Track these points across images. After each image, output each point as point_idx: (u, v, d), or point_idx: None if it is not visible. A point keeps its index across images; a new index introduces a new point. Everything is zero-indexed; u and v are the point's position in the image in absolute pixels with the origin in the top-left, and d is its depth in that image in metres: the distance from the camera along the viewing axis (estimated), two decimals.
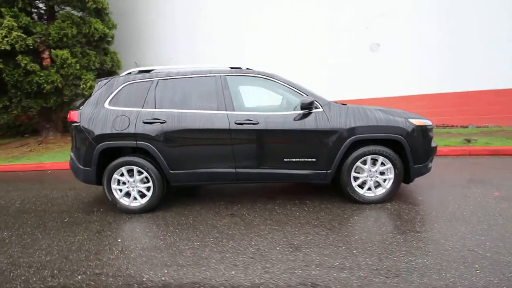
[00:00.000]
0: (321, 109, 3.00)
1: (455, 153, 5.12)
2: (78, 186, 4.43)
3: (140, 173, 3.10)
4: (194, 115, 3.00)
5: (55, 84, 6.96)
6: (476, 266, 1.94)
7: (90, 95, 3.25)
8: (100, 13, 8.33)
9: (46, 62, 8.39)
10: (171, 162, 3.04)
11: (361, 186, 3.10)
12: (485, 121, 6.86)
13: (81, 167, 3.17)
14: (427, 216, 2.76)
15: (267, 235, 2.53)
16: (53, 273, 2.12)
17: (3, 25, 6.35)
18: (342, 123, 2.95)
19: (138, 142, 3.01)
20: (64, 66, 6.94)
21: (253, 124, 2.96)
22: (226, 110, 3.02)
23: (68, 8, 7.99)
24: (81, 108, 3.21)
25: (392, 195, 3.10)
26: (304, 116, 2.99)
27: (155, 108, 3.06)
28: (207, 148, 3.04)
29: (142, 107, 3.07)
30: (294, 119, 3.00)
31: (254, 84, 3.30)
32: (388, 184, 3.05)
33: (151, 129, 3.00)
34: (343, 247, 2.26)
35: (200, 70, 3.16)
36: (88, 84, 7.38)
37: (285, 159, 3.02)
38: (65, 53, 6.90)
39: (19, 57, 6.62)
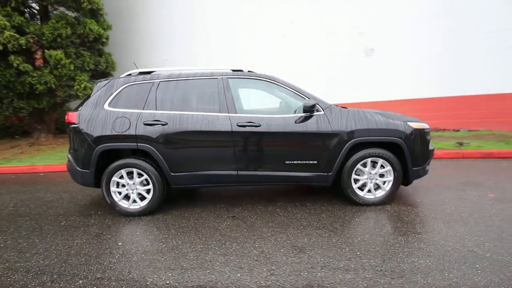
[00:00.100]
0: (322, 112, 3.03)
1: (449, 156, 5.24)
2: (73, 189, 4.34)
3: (140, 175, 3.06)
4: (196, 117, 2.99)
5: (48, 85, 6.82)
6: (477, 266, 1.99)
7: (89, 96, 3.21)
8: (95, 13, 8.23)
9: (39, 62, 8.23)
10: (172, 164, 3.01)
11: (361, 188, 3.14)
12: (476, 125, 7.05)
13: (79, 169, 3.11)
14: (426, 217, 2.81)
15: (270, 237, 2.53)
16: (53, 278, 2.07)
17: None
18: (343, 126, 2.98)
19: (138, 144, 2.98)
20: (58, 66, 6.82)
21: (255, 126, 2.97)
22: (228, 113, 3.02)
23: (62, 9, 7.88)
24: (79, 109, 3.16)
25: (391, 197, 3.14)
26: (306, 118, 3.01)
27: (156, 110, 3.04)
28: (208, 150, 3.03)
29: (143, 109, 3.05)
30: (296, 122, 3.02)
31: (255, 87, 3.32)
32: (387, 186, 3.10)
33: (152, 131, 2.97)
34: (347, 249, 2.27)
35: (202, 72, 3.16)
36: (82, 85, 7.26)
37: (286, 162, 3.03)
38: (59, 53, 6.79)
39: (12, 57, 6.48)
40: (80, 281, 2.01)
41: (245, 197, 3.61)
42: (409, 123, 3.08)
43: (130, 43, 10.03)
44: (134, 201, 3.10)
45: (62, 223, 3.05)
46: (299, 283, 1.88)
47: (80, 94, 7.35)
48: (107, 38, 8.60)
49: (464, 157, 5.23)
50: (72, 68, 7.10)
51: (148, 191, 3.09)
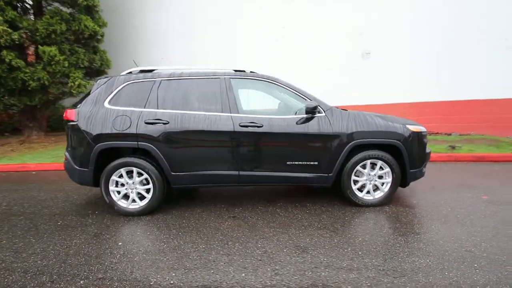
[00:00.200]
0: (323, 114, 3.06)
1: (442, 159, 5.37)
2: (68, 188, 4.25)
3: (139, 174, 3.03)
4: (198, 117, 2.97)
5: (41, 82, 6.67)
6: (475, 265, 2.04)
7: (88, 94, 3.15)
8: (91, 10, 8.10)
9: (31, 58, 8.04)
10: (173, 164, 2.99)
11: (360, 189, 3.18)
12: (467, 129, 7.24)
13: (77, 167, 3.05)
14: (424, 218, 2.87)
15: (272, 237, 2.54)
16: (52, 278, 2.02)
17: None
18: (343, 127, 3.03)
19: (139, 142, 2.95)
20: (52, 63, 6.67)
21: (258, 127, 2.98)
22: (230, 113, 3.02)
23: (56, 4, 7.72)
24: (78, 106, 3.11)
25: (389, 198, 3.20)
26: (307, 120, 3.04)
27: (158, 108, 3.01)
28: (210, 150, 3.02)
29: (144, 107, 3.02)
30: (297, 123, 3.04)
31: (257, 87, 3.33)
32: (386, 188, 3.15)
33: (154, 130, 2.95)
34: (349, 249, 2.30)
35: (204, 72, 3.15)
36: (77, 83, 7.13)
37: (288, 162, 3.05)
38: (53, 49, 6.65)
39: (4, 52, 6.31)
40: (81, 282, 1.97)
41: (245, 197, 3.61)
42: (408, 126, 3.15)
43: (126, 41, 9.91)
44: (133, 200, 3.06)
45: (59, 223, 2.98)
46: (304, 283, 1.89)
47: (74, 92, 7.22)
48: (102, 35, 8.47)
49: (457, 160, 5.36)
50: (66, 65, 6.96)
51: (147, 191, 3.05)
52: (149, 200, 3.04)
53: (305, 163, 3.05)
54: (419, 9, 7.52)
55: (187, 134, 2.97)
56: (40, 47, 6.63)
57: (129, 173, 3.04)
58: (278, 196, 3.62)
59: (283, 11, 8.61)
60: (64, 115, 3.13)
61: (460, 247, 2.29)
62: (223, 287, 1.88)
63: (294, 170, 3.07)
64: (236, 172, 3.04)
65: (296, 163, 3.05)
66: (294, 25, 8.53)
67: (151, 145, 2.95)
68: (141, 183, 3.05)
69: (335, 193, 3.56)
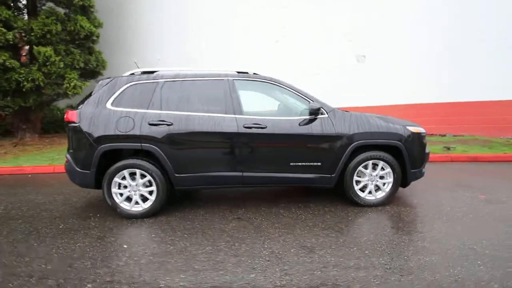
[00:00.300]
0: (326, 115, 3.10)
1: (439, 159, 5.48)
2: (67, 191, 4.18)
3: (142, 176, 3.00)
4: (202, 118, 2.98)
5: (36, 83, 6.55)
6: (479, 262, 2.10)
7: (90, 95, 3.12)
8: (86, 10, 8.02)
9: (23, 58, 7.89)
10: (176, 165, 2.98)
11: (361, 189, 3.22)
12: (461, 130, 7.42)
13: (79, 169, 3.01)
14: (425, 217, 2.93)
15: (278, 238, 2.55)
16: (59, 282, 1.99)
17: None
18: (346, 129, 3.07)
19: (143, 144, 2.93)
20: (47, 63, 6.57)
21: (261, 128, 3.00)
22: (234, 114, 3.03)
23: (50, 4, 7.61)
24: (79, 108, 3.07)
25: (391, 198, 3.25)
26: (310, 121, 3.08)
27: (161, 110, 3.00)
28: (214, 151, 3.02)
29: (147, 109, 3.00)
30: (300, 124, 3.07)
31: (260, 89, 3.36)
32: (387, 188, 3.20)
33: (157, 131, 2.93)
34: (355, 248, 2.33)
35: (207, 73, 3.16)
36: (72, 84, 7.03)
37: (291, 163, 3.08)
38: (48, 50, 6.54)
39: None
40: (89, 285, 1.95)
41: (247, 198, 3.62)
42: (408, 127, 3.22)
43: (121, 42, 9.83)
44: (136, 202, 3.04)
45: (60, 226, 2.93)
46: (314, 282, 1.91)
47: (69, 93, 7.12)
48: (97, 36, 8.40)
49: (452, 160, 5.48)
50: (61, 65, 6.86)
51: (150, 193, 3.03)
52: (153, 202, 3.01)
53: (308, 164, 3.08)
54: (419, 9, 7.64)
55: (191, 136, 2.97)
56: (35, 47, 6.52)
57: (132, 175, 3.02)
58: (280, 197, 3.64)
59: (280, 12, 8.65)
60: (65, 117, 3.08)
61: (462, 245, 2.34)
62: None
63: (297, 171, 3.09)
64: (240, 174, 3.05)
65: (300, 164, 3.08)
66: (293, 25, 8.57)
67: (154, 147, 2.93)
68: (144, 185, 3.03)
69: (336, 193, 3.60)
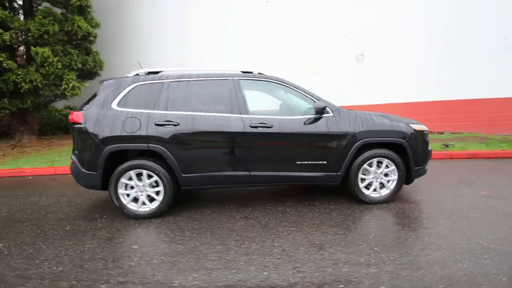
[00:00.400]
0: (331, 114, 3.13)
1: (438, 156, 5.55)
2: (70, 193, 4.15)
3: (149, 176, 3.00)
4: (209, 118, 2.98)
5: (34, 84, 6.48)
6: (485, 256, 2.14)
7: (95, 96, 3.10)
8: (83, 10, 7.94)
9: (20, 59, 7.79)
10: (183, 165, 2.99)
11: (366, 187, 3.26)
12: (458, 127, 7.52)
13: (85, 171, 3.00)
14: (430, 214, 2.98)
15: (288, 236, 2.57)
16: (72, 284, 1.98)
17: None
18: (351, 127, 3.10)
19: (149, 144, 2.93)
20: (45, 64, 6.49)
21: (268, 127, 3.01)
22: (240, 114, 3.04)
23: (47, 4, 7.52)
24: (84, 108, 3.06)
25: (395, 196, 3.30)
26: (315, 120, 3.10)
27: (167, 110, 3.00)
28: (221, 150, 3.03)
29: (153, 109, 3.00)
30: (305, 123, 3.10)
31: (265, 88, 3.38)
32: (392, 185, 3.25)
33: (164, 132, 2.93)
34: (364, 245, 2.37)
35: (213, 73, 3.17)
36: (71, 85, 6.96)
37: (297, 162, 3.10)
38: (46, 50, 6.47)
39: None
40: (103, 286, 1.95)
41: (253, 197, 3.64)
42: (411, 125, 3.26)
43: (119, 42, 9.76)
44: (143, 203, 3.03)
45: (67, 228, 2.92)
46: (327, 279, 1.94)
47: (68, 94, 7.05)
48: (95, 36, 8.33)
49: (451, 157, 5.56)
50: (59, 66, 6.79)
51: (157, 193, 3.03)
52: (160, 203, 3.01)
53: (314, 162, 3.11)
54: (419, 9, 7.70)
55: (197, 135, 2.97)
56: (32, 48, 6.44)
57: (139, 176, 3.01)
58: (285, 195, 3.67)
59: (279, 11, 8.64)
60: (70, 118, 3.06)
61: (468, 240, 2.39)
62: (248, 286, 1.90)
63: (303, 170, 3.12)
64: (246, 173, 3.06)
65: (306, 162, 3.10)
66: (292, 25, 8.57)
67: (161, 147, 2.93)
68: (151, 185, 3.03)
69: (339, 191, 3.63)
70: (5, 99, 6.70)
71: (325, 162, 3.11)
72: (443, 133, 7.55)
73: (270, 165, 3.08)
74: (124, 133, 2.91)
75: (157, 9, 9.61)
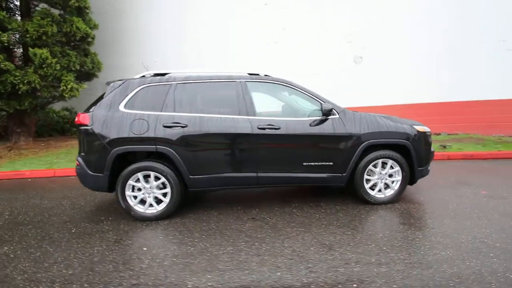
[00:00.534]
0: (337, 116, 3.18)
1: (436, 157, 5.60)
2: (72, 195, 4.11)
3: (157, 178, 3.00)
4: (217, 120, 3.00)
5: (32, 85, 6.39)
6: (491, 255, 2.20)
7: (101, 97, 3.09)
8: (82, 11, 7.88)
9: (16, 61, 7.69)
10: (191, 167, 2.99)
11: (371, 188, 3.31)
12: (455, 129, 7.67)
13: (91, 173, 2.98)
14: (434, 214, 3.04)
15: (297, 236, 2.59)
16: (83, 287, 1.97)
17: None
18: (357, 128, 3.15)
19: (158, 146, 2.92)
20: (43, 66, 6.42)
21: (275, 129, 3.04)
22: (247, 115, 3.06)
23: (44, 5, 7.44)
24: (90, 110, 3.04)
25: (399, 196, 3.35)
26: (322, 122, 3.14)
27: (175, 112, 3.01)
28: (229, 152, 3.05)
29: (161, 111, 3.00)
30: (311, 125, 3.13)
31: (272, 90, 3.40)
32: (396, 186, 3.30)
33: (172, 133, 2.94)
34: (373, 245, 2.40)
35: (220, 75, 3.19)
36: (69, 86, 6.89)
37: (304, 163, 3.13)
38: (44, 52, 6.39)
39: None
40: None
41: (259, 199, 3.65)
42: (415, 126, 3.32)
43: (117, 43, 9.70)
44: (151, 205, 3.02)
45: (73, 230, 2.89)
46: (340, 278, 1.96)
47: (66, 96, 6.97)
48: (93, 38, 8.26)
49: (449, 158, 5.67)
50: (58, 68, 6.72)
51: (164, 195, 3.03)
52: (167, 204, 3.01)
53: (321, 163, 3.14)
54: (419, 10, 7.81)
55: (205, 137, 2.98)
56: (30, 49, 6.36)
57: (146, 177, 3.01)
58: (290, 196, 3.69)
59: (279, 13, 8.69)
60: (76, 120, 3.05)
61: (473, 239, 2.44)
62: (262, 287, 1.91)
63: (310, 171, 3.15)
64: (254, 174, 3.08)
65: (312, 163, 3.13)
66: (291, 26, 8.62)
67: (169, 149, 2.93)
68: (158, 187, 3.02)
69: (344, 192, 3.68)
70: (2, 101, 6.58)
71: (331, 163, 3.15)
72: (440, 134, 7.68)
73: (277, 167, 3.10)
74: (132, 135, 2.90)
75: (156, 9, 9.59)
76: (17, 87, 6.27)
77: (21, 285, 2.02)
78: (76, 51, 7.84)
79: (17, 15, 7.86)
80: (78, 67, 7.59)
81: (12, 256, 2.42)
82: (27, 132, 7.56)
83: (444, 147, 6.39)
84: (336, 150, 3.14)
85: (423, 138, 3.34)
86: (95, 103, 3.08)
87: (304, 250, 2.35)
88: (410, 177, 3.34)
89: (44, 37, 6.59)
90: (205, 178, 3.03)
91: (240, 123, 3.01)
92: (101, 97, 3.10)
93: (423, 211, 3.11)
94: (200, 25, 9.38)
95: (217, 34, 9.27)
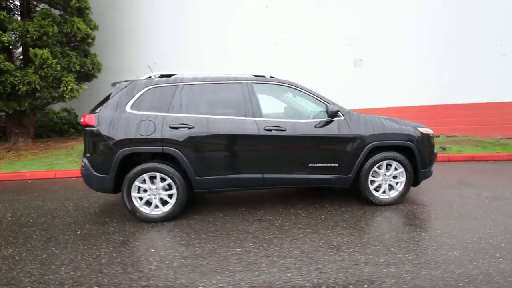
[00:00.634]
0: (342, 117, 3.20)
1: (437, 159, 5.69)
2: (74, 196, 4.09)
3: (162, 179, 2.99)
4: (223, 121, 3.00)
5: (32, 86, 6.34)
6: (498, 255, 2.23)
7: (107, 98, 3.08)
8: (82, 12, 7.86)
9: (16, 61, 7.64)
10: (197, 168, 2.99)
11: (375, 189, 3.33)
12: (454, 131, 7.75)
13: (97, 174, 2.96)
14: (439, 214, 3.06)
15: (304, 237, 2.60)
16: None
17: None
18: (362, 130, 3.17)
19: (164, 147, 2.92)
20: (44, 66, 6.38)
21: (281, 130, 3.05)
22: (253, 117, 3.07)
23: (44, 5, 7.40)
24: (96, 111, 3.03)
25: (403, 197, 3.38)
26: (327, 123, 3.16)
27: (181, 113, 3.01)
28: (235, 153, 3.05)
29: (168, 112, 3.00)
30: (317, 126, 3.15)
31: (277, 92, 3.42)
32: (400, 187, 3.33)
33: (179, 134, 2.94)
34: (380, 246, 2.42)
35: (226, 77, 3.20)
36: (69, 87, 6.84)
37: (310, 164, 3.15)
38: (45, 52, 6.35)
39: None
40: None
41: (263, 200, 3.66)
42: (418, 128, 3.36)
43: (116, 44, 9.67)
44: (156, 206, 3.01)
45: (78, 232, 2.87)
46: (350, 279, 1.97)
47: (66, 96, 6.93)
48: (93, 38, 8.23)
49: (449, 160, 5.73)
50: (58, 68, 6.67)
51: (170, 196, 3.02)
52: (173, 206, 3.00)
53: (326, 165, 3.16)
54: (419, 11, 7.85)
55: (212, 138, 2.98)
56: (31, 49, 6.32)
57: (151, 179, 3.00)
58: (294, 198, 3.70)
59: (279, 13, 8.71)
60: (82, 120, 3.03)
61: (479, 239, 2.47)
62: (274, 287, 1.91)
63: (315, 172, 3.16)
64: (260, 175, 3.09)
65: (318, 165, 3.15)
66: (292, 27, 8.64)
67: (176, 150, 2.93)
68: (163, 188, 3.02)
69: (348, 193, 3.70)
70: (1, 101, 6.52)
71: (336, 165, 3.17)
72: (438, 136, 7.75)
73: (283, 168, 3.11)
74: (139, 136, 2.90)
75: (156, 9, 9.57)
76: (17, 88, 6.22)
77: (29, 287, 2.00)
78: (76, 51, 7.80)
79: (16, 15, 7.81)
80: (78, 68, 7.55)
81: (17, 258, 2.40)
82: (26, 133, 7.49)
83: (444, 149, 6.45)
84: (342, 152, 3.16)
85: (426, 140, 3.37)
86: (101, 103, 3.07)
87: (313, 251, 2.35)
88: (413, 179, 3.37)
89: (44, 38, 6.55)
90: (211, 179, 3.03)
91: (246, 125, 3.02)
92: (107, 98, 3.09)
93: (427, 212, 3.14)
94: (200, 25, 9.38)
95: (217, 34, 9.27)
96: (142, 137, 2.90)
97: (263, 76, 3.34)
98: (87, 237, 2.76)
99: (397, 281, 1.94)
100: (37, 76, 6.39)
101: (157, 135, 2.91)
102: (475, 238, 2.51)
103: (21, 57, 7.62)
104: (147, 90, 3.05)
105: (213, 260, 2.27)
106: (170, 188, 3.01)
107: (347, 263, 2.17)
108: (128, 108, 2.98)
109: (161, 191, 3.00)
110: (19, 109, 6.70)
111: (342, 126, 3.16)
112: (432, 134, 3.51)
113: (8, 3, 7.53)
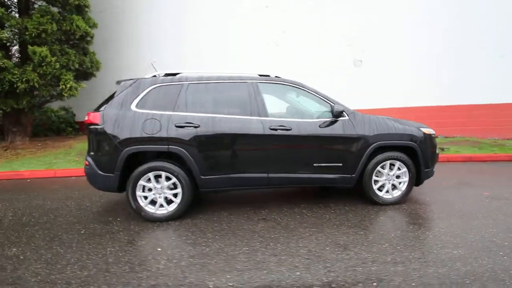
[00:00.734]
0: (347, 117, 3.22)
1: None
2: (75, 195, 4.05)
3: (168, 179, 2.98)
4: (229, 120, 3.00)
5: (31, 84, 6.26)
6: (501, 253, 2.26)
7: (112, 96, 3.06)
8: (81, 10, 7.79)
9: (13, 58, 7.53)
10: (202, 167, 2.98)
11: (379, 189, 3.36)
12: (452, 132, 7.84)
13: (101, 173, 2.94)
14: (441, 214, 3.10)
15: (310, 236, 2.61)
16: None
17: None
18: (366, 130, 3.20)
19: (170, 146, 2.91)
20: (43, 64, 6.30)
21: (287, 130, 3.06)
22: (259, 116, 3.08)
23: (43, 3, 7.32)
24: (101, 110, 3.01)
25: (406, 197, 3.41)
26: (332, 123, 3.18)
27: (187, 112, 3.00)
28: (240, 153, 3.05)
29: (173, 111, 2.99)
30: (321, 126, 3.17)
31: (282, 91, 3.43)
32: (403, 187, 3.36)
33: (184, 133, 2.93)
34: (386, 244, 2.44)
35: (231, 76, 3.20)
36: (68, 85, 6.77)
37: (314, 164, 3.16)
38: (44, 50, 6.28)
39: None
40: None
41: (267, 199, 3.67)
42: (421, 129, 3.40)
43: (115, 42, 9.60)
44: (161, 205, 3.00)
45: (82, 231, 2.85)
46: (359, 278, 1.99)
47: (65, 95, 6.86)
48: (92, 37, 8.17)
49: (448, 160, 5.80)
50: (57, 66, 6.60)
51: (175, 195, 3.01)
52: (178, 205, 2.99)
53: (331, 164, 3.18)
54: (418, 11, 7.90)
55: (218, 138, 2.98)
56: (30, 47, 6.24)
57: (156, 178, 2.98)
58: (298, 197, 3.72)
59: (279, 13, 8.71)
60: (86, 119, 3.01)
61: (482, 238, 2.51)
62: (283, 286, 1.92)
63: (320, 172, 3.18)
64: (265, 175, 3.09)
65: (323, 164, 3.17)
66: (292, 27, 8.65)
67: (181, 149, 2.92)
68: (168, 187, 3.00)
69: (351, 193, 3.72)
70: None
71: (340, 164, 3.19)
72: (437, 137, 7.84)
73: (288, 167, 3.12)
74: (144, 135, 2.88)
75: (156, 9, 9.53)
76: (15, 86, 6.14)
77: (35, 287, 1.98)
78: (75, 49, 7.73)
79: (14, 12, 7.71)
80: (77, 66, 7.48)
81: (22, 257, 2.37)
82: (24, 131, 7.39)
83: (442, 149, 6.53)
84: (346, 152, 3.18)
85: (429, 140, 3.41)
86: (105, 102, 3.05)
87: (320, 250, 2.37)
88: (416, 178, 3.40)
89: (43, 35, 6.47)
90: (216, 178, 3.03)
91: (252, 124, 3.02)
92: (111, 96, 3.07)
93: (430, 212, 3.17)
94: (200, 25, 9.36)
95: (217, 34, 9.25)
96: (147, 135, 2.88)
97: (268, 75, 3.35)
98: (92, 236, 2.74)
99: (405, 279, 1.97)
100: (36, 74, 6.31)
101: (163, 134, 2.89)
102: (478, 237, 2.54)
103: (18, 54, 7.50)
104: (153, 88, 3.03)
105: (221, 259, 2.27)
106: (175, 187, 3.00)
107: (355, 261, 2.19)
108: (133, 107, 2.96)
109: (166, 190, 2.99)
110: (17, 107, 6.61)
111: (346, 126, 3.18)
112: (434, 134, 3.55)
113: (6, 0, 7.45)
